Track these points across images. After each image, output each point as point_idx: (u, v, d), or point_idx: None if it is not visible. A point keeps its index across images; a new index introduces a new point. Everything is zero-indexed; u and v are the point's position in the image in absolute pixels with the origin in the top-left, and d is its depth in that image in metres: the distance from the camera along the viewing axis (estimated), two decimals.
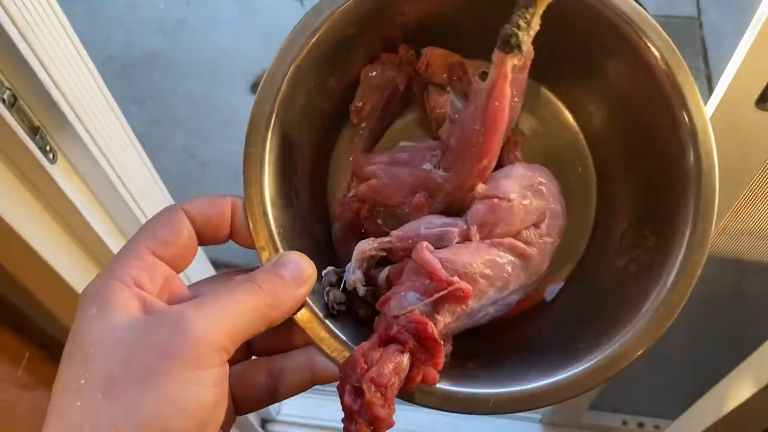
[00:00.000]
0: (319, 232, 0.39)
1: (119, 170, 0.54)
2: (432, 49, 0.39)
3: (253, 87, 1.57)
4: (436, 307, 0.31)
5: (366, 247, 0.34)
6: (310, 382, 0.32)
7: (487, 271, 0.33)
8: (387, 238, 0.34)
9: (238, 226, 0.32)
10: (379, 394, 0.28)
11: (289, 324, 0.32)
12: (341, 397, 0.28)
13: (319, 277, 0.33)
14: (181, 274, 0.31)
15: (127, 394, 0.24)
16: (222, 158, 1.47)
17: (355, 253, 0.34)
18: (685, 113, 0.33)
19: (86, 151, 0.49)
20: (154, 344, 0.25)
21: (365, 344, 0.30)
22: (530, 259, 0.35)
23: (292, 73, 0.34)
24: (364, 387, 0.28)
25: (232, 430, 0.32)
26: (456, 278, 0.31)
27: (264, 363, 0.33)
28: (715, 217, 0.32)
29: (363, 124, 0.40)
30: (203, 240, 0.31)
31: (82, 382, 0.24)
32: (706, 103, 0.44)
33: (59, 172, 0.48)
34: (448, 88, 0.39)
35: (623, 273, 0.37)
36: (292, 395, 0.32)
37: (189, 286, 0.31)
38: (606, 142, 0.40)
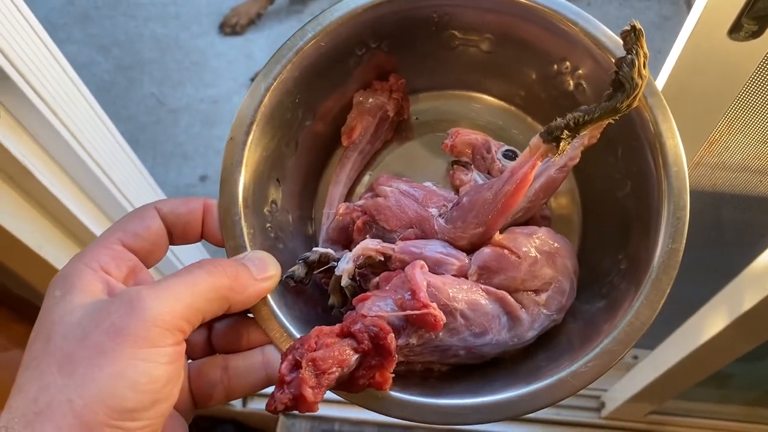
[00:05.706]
0: (297, 242, 0.40)
1: (67, 122, 0.51)
2: (457, 129, 0.41)
3: (221, 28, 1.49)
4: (405, 324, 0.31)
5: (370, 245, 0.35)
6: (265, 381, 0.33)
7: (469, 312, 0.33)
8: (391, 245, 0.36)
9: (210, 226, 0.34)
10: (314, 376, 0.28)
11: (248, 323, 0.33)
12: (281, 363, 0.29)
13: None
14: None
15: (81, 370, 0.25)
16: (193, 104, 1.39)
17: (357, 246, 0.35)
18: (656, 137, 0.33)
19: (30, 105, 0.47)
20: (109, 323, 0.26)
21: (325, 328, 0.30)
22: (518, 321, 0.34)
23: (275, 86, 0.35)
24: (303, 363, 0.28)
25: None
26: (434, 304, 0.31)
27: (221, 360, 0.33)
28: (684, 238, 0.32)
29: (353, 146, 0.41)
30: (176, 238, 0.33)
31: (42, 359, 0.26)
32: (678, 34, 0.42)
33: (2, 129, 0.46)
34: (471, 166, 0.40)
35: (597, 296, 0.36)
36: (247, 394, 0.33)
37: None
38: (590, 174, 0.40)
